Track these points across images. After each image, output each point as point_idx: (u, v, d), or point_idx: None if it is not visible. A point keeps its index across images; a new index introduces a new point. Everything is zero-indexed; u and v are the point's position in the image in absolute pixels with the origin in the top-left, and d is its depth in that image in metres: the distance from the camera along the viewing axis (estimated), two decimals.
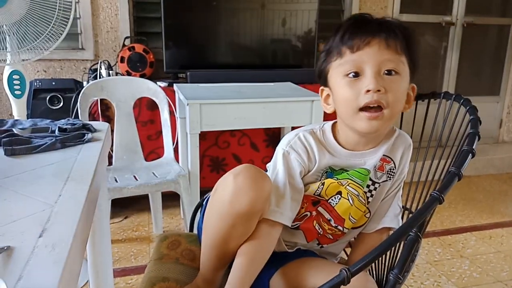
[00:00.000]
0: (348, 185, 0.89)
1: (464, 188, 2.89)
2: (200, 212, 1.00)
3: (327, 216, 0.91)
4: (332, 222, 0.91)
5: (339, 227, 0.91)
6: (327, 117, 1.04)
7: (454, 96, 0.88)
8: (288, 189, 0.85)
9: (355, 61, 0.80)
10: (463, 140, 0.75)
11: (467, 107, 0.82)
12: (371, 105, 0.79)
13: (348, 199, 0.89)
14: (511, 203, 2.71)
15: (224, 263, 0.86)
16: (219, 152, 2.38)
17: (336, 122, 0.92)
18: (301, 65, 2.65)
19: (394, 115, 0.83)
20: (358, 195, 0.90)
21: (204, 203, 0.99)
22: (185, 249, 0.95)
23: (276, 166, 0.88)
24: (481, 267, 1.92)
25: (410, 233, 0.63)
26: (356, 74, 0.80)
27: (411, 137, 0.95)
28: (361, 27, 0.82)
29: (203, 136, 2.28)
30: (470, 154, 0.68)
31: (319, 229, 0.91)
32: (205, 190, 1.17)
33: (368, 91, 0.79)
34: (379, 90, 0.79)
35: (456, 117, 0.89)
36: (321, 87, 0.91)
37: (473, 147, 0.69)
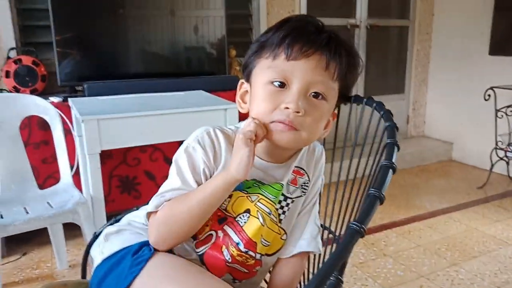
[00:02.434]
0: (258, 201, 0.77)
1: None
2: (98, 252, 0.80)
3: (236, 238, 0.77)
4: (242, 247, 0.77)
5: (251, 253, 0.78)
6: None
7: (365, 100, 0.80)
8: (195, 185, 0.74)
9: (286, 71, 0.71)
10: (380, 151, 0.67)
11: (381, 112, 0.75)
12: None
13: (258, 218, 0.77)
14: (424, 196, 2.83)
15: None
16: (129, 171, 2.16)
17: None
18: (212, 73, 2.53)
19: (310, 139, 0.75)
20: (270, 213, 0.78)
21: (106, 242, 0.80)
22: None
23: (178, 163, 0.75)
24: (404, 264, 1.94)
25: (331, 278, 0.52)
26: (282, 85, 0.71)
27: (323, 145, 0.87)
28: (307, 34, 0.71)
29: (109, 154, 2.06)
30: (391, 170, 0.60)
31: (227, 256, 0.77)
32: (114, 214, 1.00)
33: (286, 108, 0.70)
34: (298, 112, 0.70)
35: (370, 120, 0.82)
36: (242, 81, 0.80)
37: (393, 160, 0.61)
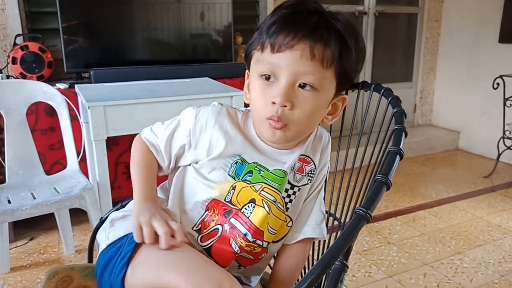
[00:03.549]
0: (262, 190, 0.77)
1: None
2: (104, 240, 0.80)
3: (243, 229, 0.77)
4: (249, 237, 0.77)
5: (258, 242, 0.78)
6: None
7: (373, 86, 0.79)
8: (163, 139, 0.81)
9: (272, 64, 0.70)
10: (388, 137, 0.66)
11: (389, 98, 0.74)
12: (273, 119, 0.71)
13: (264, 207, 0.77)
14: (430, 184, 2.82)
15: None
16: None
17: None
18: (218, 60, 2.52)
19: (303, 131, 0.76)
20: (275, 201, 0.78)
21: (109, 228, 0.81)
22: (77, 286, 0.78)
23: (177, 117, 0.82)
24: (408, 252, 1.94)
25: (336, 263, 0.52)
26: (270, 77, 0.71)
27: (330, 132, 0.86)
28: (292, 22, 0.69)
29: (115, 140, 2.07)
30: (398, 156, 0.59)
31: (235, 247, 0.77)
32: (119, 200, 1.01)
33: (273, 102, 0.70)
34: (285, 106, 0.70)
35: (378, 107, 0.82)
36: (247, 71, 0.79)
37: (401, 146, 0.60)
